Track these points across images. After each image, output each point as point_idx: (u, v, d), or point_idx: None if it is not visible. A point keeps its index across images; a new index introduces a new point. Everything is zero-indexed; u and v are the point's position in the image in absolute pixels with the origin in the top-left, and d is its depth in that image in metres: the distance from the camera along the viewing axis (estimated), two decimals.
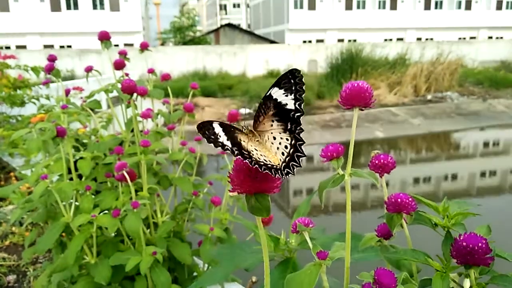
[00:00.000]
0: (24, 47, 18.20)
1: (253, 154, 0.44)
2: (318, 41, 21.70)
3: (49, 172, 1.31)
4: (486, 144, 7.77)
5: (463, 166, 6.22)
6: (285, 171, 0.44)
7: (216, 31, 23.46)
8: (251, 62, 15.60)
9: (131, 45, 19.45)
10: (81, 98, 2.91)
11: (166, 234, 1.41)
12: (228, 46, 16.50)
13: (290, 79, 0.48)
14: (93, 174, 1.42)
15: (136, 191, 1.34)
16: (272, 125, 0.48)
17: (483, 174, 5.84)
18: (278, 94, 0.48)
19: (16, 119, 3.32)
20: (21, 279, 1.86)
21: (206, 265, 1.51)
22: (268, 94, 0.49)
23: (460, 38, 22.15)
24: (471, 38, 22.66)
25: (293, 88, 0.47)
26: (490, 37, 22.89)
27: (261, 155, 0.45)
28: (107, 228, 1.31)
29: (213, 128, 0.44)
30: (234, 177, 0.43)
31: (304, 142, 0.46)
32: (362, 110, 0.50)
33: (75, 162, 1.39)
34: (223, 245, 0.93)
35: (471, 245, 0.45)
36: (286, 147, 0.46)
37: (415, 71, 11.36)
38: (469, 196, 4.88)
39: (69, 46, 18.88)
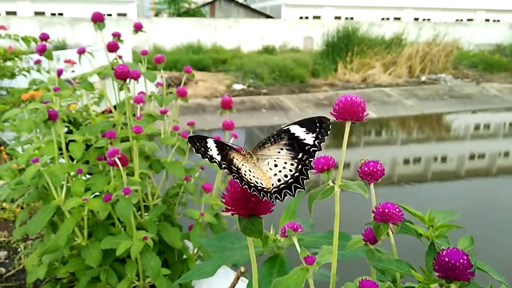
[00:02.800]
0: (14, 13, 17.74)
1: (244, 174, 0.44)
2: (314, 17, 21.40)
3: (40, 154, 1.31)
4: (476, 127, 7.83)
5: (453, 148, 6.29)
6: (275, 196, 0.44)
7: (211, 3, 23.00)
8: (246, 36, 15.38)
9: (124, 15, 19.05)
10: (73, 71, 2.88)
11: (157, 218, 1.43)
12: (223, 19, 16.21)
13: (316, 123, 0.49)
14: (84, 157, 1.42)
15: (128, 174, 1.35)
16: (279, 152, 0.49)
17: (472, 157, 5.92)
18: (297, 130, 0.50)
19: (7, 91, 3.27)
20: (12, 255, 1.88)
21: (196, 249, 1.54)
22: (286, 128, 0.50)
23: (457, 20, 21.97)
24: (468, 20, 22.50)
25: (317, 130, 0.49)
26: (488, 20, 22.73)
27: (253, 176, 0.45)
28: (98, 212, 1.32)
29: (206, 143, 0.45)
30: (228, 199, 0.43)
31: (308, 178, 0.46)
32: (354, 123, 0.50)
33: (67, 143, 1.39)
34: (212, 236, 0.94)
35: (453, 261, 0.47)
36: (285, 176, 0.46)
37: (410, 52, 11.30)
38: (457, 178, 4.96)
39: (61, 14, 18.43)
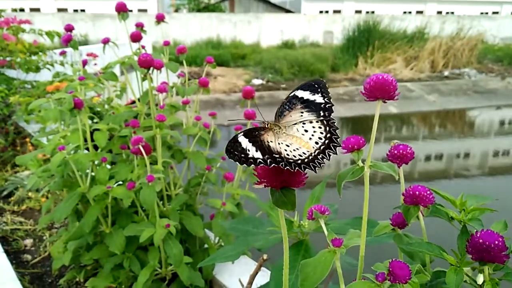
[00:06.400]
0: (38, 10, 18.10)
1: (285, 153, 0.43)
2: (335, 11, 21.19)
3: (66, 142, 1.33)
4: (501, 123, 7.64)
5: (476, 145, 6.15)
6: (321, 157, 0.43)
7: None
8: (266, 31, 15.34)
9: (145, 10, 19.22)
10: (95, 64, 2.93)
11: (179, 207, 1.44)
12: (242, 14, 16.20)
13: (314, 85, 0.51)
14: (108, 146, 1.44)
15: (151, 163, 1.36)
16: (302, 115, 0.50)
17: (496, 153, 5.78)
18: (303, 94, 0.51)
19: (31, 85, 3.34)
20: (37, 243, 1.93)
21: (217, 238, 1.54)
22: (292, 94, 0.52)
23: (482, 13, 21.44)
24: (494, 13, 21.93)
25: (319, 91, 0.51)
26: None
27: (293, 149, 0.44)
28: (122, 200, 1.34)
29: (240, 144, 0.43)
30: (261, 171, 0.42)
31: (339, 137, 0.47)
32: (385, 102, 0.49)
33: (91, 133, 1.41)
34: (236, 220, 0.94)
35: (487, 242, 0.46)
36: (320, 138, 0.47)
37: (433, 46, 11.07)
38: (481, 175, 4.85)
39: (83, 10, 18.73)
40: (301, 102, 0.50)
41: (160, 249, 1.35)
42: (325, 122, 0.48)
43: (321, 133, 0.47)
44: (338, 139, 0.47)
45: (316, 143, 0.46)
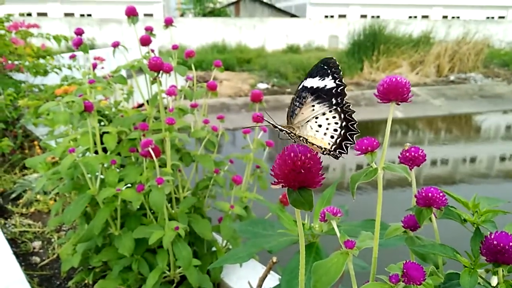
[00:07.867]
0: (45, 14, 18.26)
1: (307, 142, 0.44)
2: (340, 16, 21.23)
3: (76, 145, 1.34)
4: (508, 128, 7.60)
5: (482, 150, 6.12)
6: (338, 152, 0.44)
7: (236, 3, 23.10)
8: (271, 36, 15.38)
9: (151, 15, 19.34)
10: (102, 68, 2.94)
11: (187, 210, 1.45)
12: (248, 19, 16.26)
13: (323, 67, 0.49)
14: (117, 148, 1.45)
15: (160, 166, 1.37)
16: (313, 110, 0.49)
17: (502, 158, 5.75)
18: (312, 82, 0.49)
19: (39, 88, 3.37)
20: (45, 245, 1.94)
21: (225, 241, 1.55)
22: (301, 86, 0.50)
23: (488, 17, 21.38)
24: (500, 17, 21.87)
25: (329, 72, 0.49)
26: None
27: (312, 143, 0.45)
28: (131, 202, 1.35)
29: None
30: (278, 171, 0.43)
31: (356, 122, 0.46)
32: (398, 104, 0.50)
33: (100, 136, 1.42)
34: (245, 222, 0.94)
35: (501, 244, 0.46)
36: (335, 130, 0.46)
37: (439, 51, 11.06)
38: (487, 181, 4.82)
39: (89, 15, 18.88)
40: (311, 93, 0.49)
41: (169, 251, 1.36)
42: (339, 109, 0.47)
43: (336, 123, 0.47)
44: (355, 125, 0.46)
45: (332, 137, 0.46)
